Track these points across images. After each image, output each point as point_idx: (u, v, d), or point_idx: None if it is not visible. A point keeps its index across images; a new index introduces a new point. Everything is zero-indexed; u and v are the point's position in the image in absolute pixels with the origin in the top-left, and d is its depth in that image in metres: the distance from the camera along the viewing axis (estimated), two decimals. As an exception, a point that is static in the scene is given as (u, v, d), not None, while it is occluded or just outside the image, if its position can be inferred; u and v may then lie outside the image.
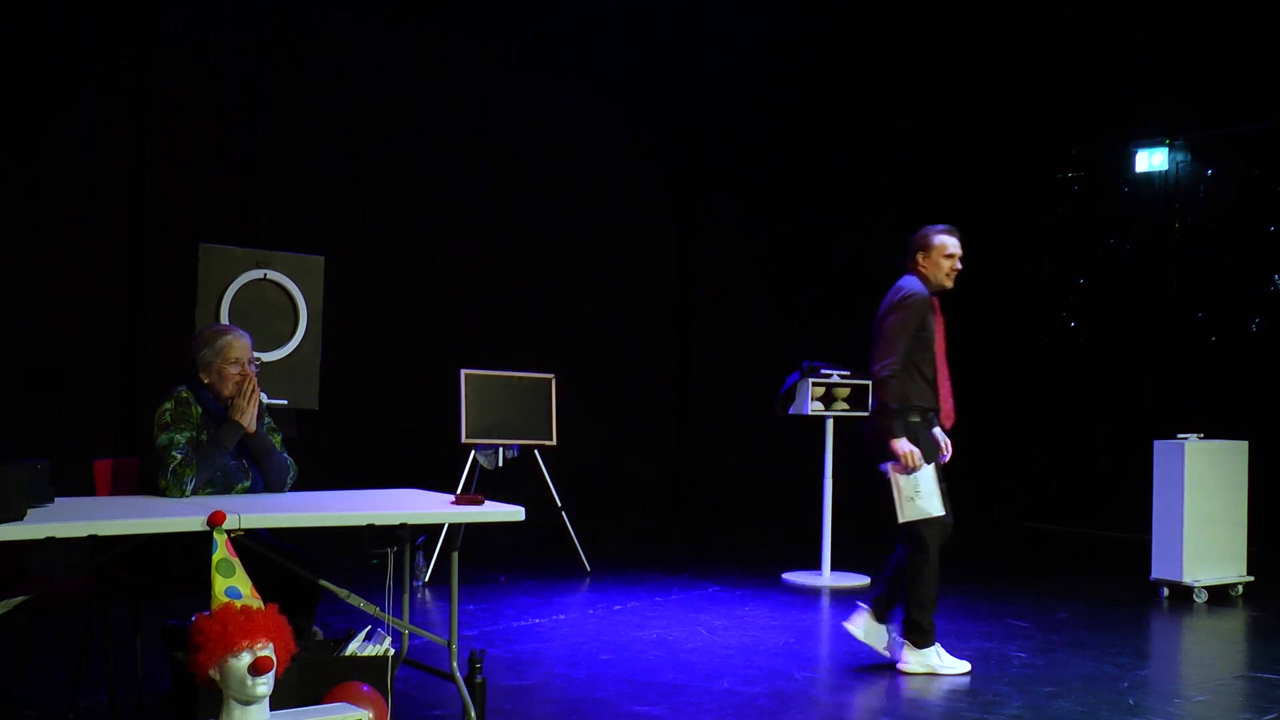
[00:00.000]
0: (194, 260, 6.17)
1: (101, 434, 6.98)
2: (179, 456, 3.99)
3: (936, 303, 5.27)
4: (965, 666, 5.16)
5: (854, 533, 8.77)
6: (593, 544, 7.89)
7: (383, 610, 3.92)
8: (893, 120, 10.35)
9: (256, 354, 4.36)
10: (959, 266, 5.25)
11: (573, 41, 9.22)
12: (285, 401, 6.19)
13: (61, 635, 4.74)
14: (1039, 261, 10.88)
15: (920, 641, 5.13)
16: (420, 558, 7.15)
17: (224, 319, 6.05)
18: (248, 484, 4.19)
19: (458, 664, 4.09)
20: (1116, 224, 10.44)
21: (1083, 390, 10.55)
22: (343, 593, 3.90)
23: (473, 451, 7.30)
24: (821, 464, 7.76)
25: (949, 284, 5.27)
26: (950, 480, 5.20)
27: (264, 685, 3.24)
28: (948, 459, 5.27)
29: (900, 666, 5.16)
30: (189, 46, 7.44)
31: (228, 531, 3.42)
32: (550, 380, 7.66)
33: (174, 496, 3.95)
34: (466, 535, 4.36)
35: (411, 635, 4.26)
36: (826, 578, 7.58)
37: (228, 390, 4.19)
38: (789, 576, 7.62)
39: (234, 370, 4.19)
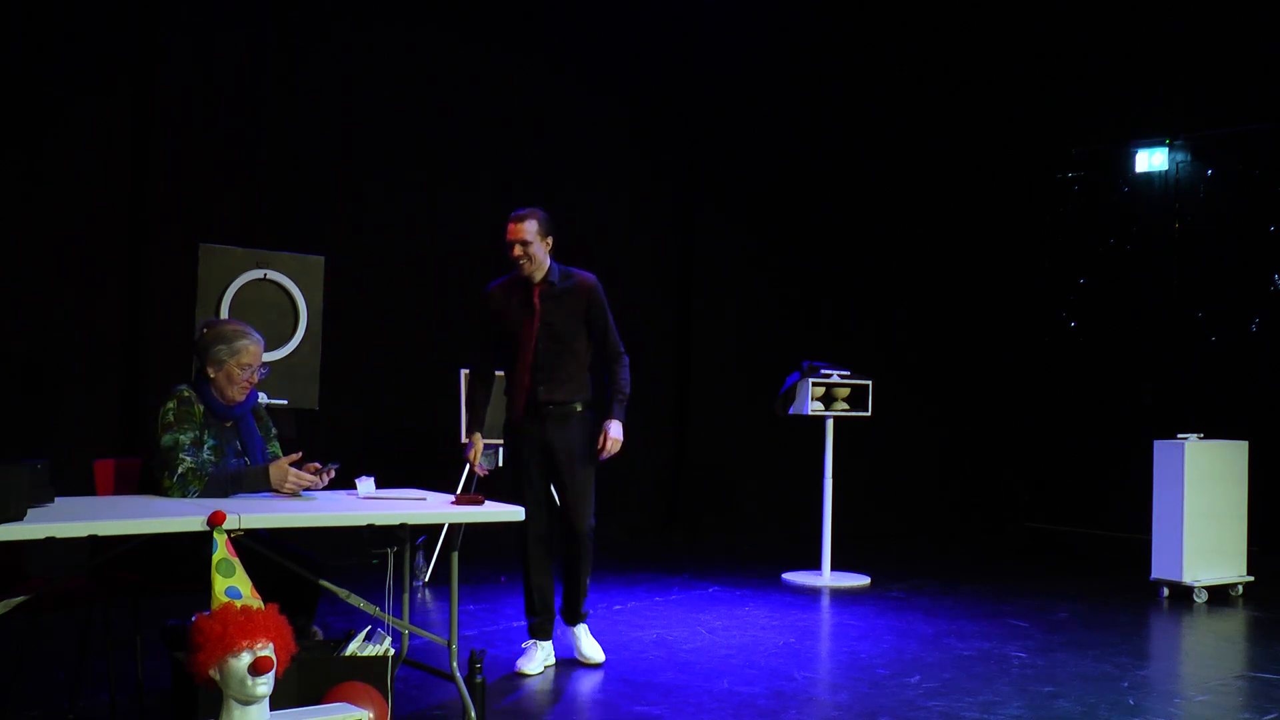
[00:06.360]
0: (194, 260, 6.17)
1: (101, 434, 6.97)
2: (188, 460, 3.98)
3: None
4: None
5: (854, 533, 8.78)
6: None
7: (383, 610, 3.92)
8: (892, 120, 10.35)
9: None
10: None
11: (574, 40, 9.21)
12: (285, 401, 6.19)
13: (61, 635, 4.74)
14: (1039, 261, 10.88)
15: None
16: (420, 558, 7.15)
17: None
18: (248, 483, 4.19)
19: (458, 664, 4.09)
20: (1116, 224, 10.43)
21: (1083, 390, 10.55)
22: (343, 593, 3.90)
23: (473, 451, 7.28)
24: (821, 464, 7.77)
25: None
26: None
27: (264, 685, 3.25)
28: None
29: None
30: (189, 46, 7.43)
31: (228, 531, 3.42)
32: (550, 380, 7.64)
33: (175, 496, 3.95)
34: (466, 535, 4.35)
35: (411, 635, 4.26)
36: (826, 578, 7.58)
37: (231, 391, 4.19)
38: (789, 576, 7.63)
39: (243, 375, 4.20)
